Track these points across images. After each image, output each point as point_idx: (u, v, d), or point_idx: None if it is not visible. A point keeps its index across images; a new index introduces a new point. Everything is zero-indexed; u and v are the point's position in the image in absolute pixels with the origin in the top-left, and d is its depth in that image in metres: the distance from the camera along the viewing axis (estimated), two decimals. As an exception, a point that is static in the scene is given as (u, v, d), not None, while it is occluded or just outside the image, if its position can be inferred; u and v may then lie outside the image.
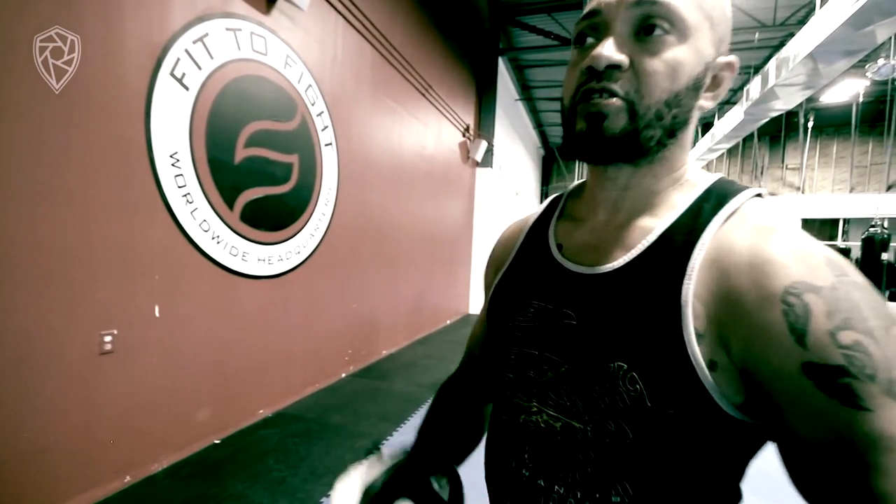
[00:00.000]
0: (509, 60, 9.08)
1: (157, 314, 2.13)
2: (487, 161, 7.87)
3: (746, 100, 6.79)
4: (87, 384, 1.85)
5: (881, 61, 5.95)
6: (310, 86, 3.17)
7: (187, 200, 2.24)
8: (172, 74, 2.12)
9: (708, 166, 12.46)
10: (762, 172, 12.06)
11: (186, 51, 2.19)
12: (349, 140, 3.72)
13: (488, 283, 0.65)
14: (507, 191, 10.29)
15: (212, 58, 2.34)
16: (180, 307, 2.25)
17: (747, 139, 11.85)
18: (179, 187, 2.19)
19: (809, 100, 9.76)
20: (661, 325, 0.40)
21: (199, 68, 2.27)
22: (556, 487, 0.46)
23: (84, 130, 1.76)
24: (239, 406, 2.71)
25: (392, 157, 4.61)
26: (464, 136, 7.09)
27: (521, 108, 11.23)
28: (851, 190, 11.02)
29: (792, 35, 6.50)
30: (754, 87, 6.43)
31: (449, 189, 6.58)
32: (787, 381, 0.35)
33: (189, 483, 2.10)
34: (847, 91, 8.06)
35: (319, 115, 3.30)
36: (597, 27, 0.43)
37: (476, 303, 8.03)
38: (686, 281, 0.40)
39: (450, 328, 6.51)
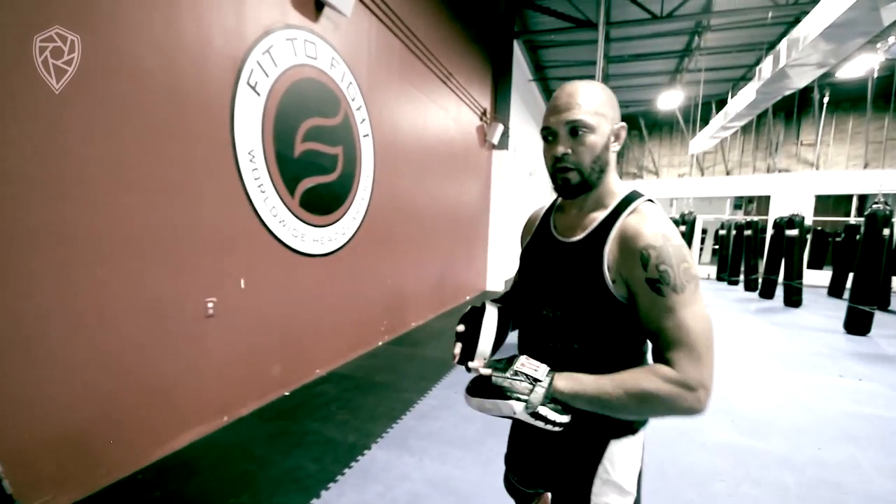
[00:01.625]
0: (524, 42, 9.22)
1: (242, 286, 2.56)
2: (503, 144, 8.14)
3: (759, 79, 6.92)
4: (197, 341, 2.30)
5: (891, 39, 6.04)
6: (350, 83, 3.52)
7: (261, 190, 2.65)
8: (248, 83, 2.50)
9: (721, 144, 12.50)
10: (777, 149, 12.08)
11: (258, 62, 2.56)
12: (382, 130, 4.08)
13: (522, 241, 1.15)
14: (522, 172, 10.54)
15: (276, 66, 2.71)
16: (258, 280, 2.68)
17: (761, 116, 11.83)
18: (255, 179, 2.59)
19: (825, 76, 9.74)
20: (593, 265, 0.87)
21: (267, 76, 2.64)
22: (551, 344, 0.94)
23: (181, 130, 2.15)
24: (300, 365, 3.17)
25: (417, 144, 4.96)
26: (481, 119, 7.37)
27: (534, 89, 11.35)
28: (866, 166, 11.03)
29: (806, 13, 6.56)
30: (766, 67, 6.55)
31: (468, 172, 6.91)
32: (640, 285, 0.81)
33: (273, 423, 2.57)
34: (862, 66, 8.06)
35: (358, 109, 3.65)
36: (553, 134, 0.90)
37: (493, 280, 8.43)
38: (606, 245, 0.87)
39: (470, 303, 6.93)
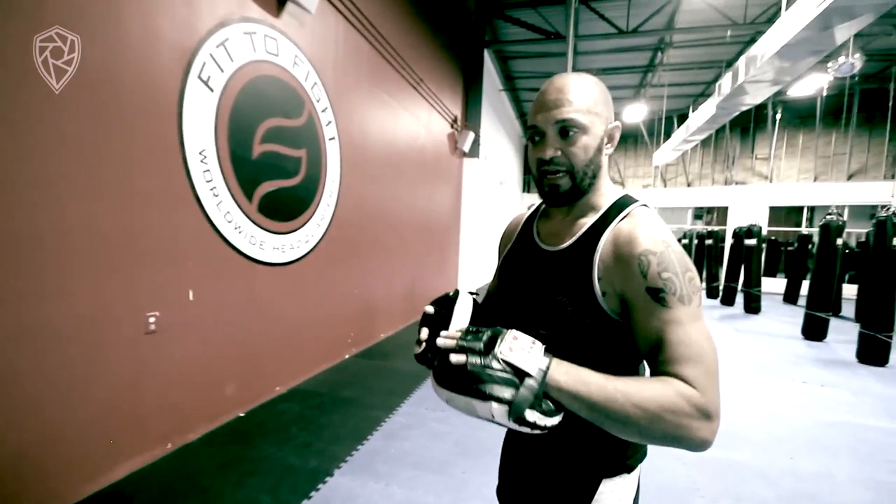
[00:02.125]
0: (494, 52, 9.28)
1: (191, 298, 2.33)
2: (474, 151, 8.10)
3: (718, 94, 7.18)
4: (137, 361, 2.06)
5: (841, 59, 6.38)
6: (315, 83, 3.35)
7: (214, 194, 2.43)
8: (200, 77, 2.30)
9: (683, 157, 12.97)
10: (733, 162, 12.62)
11: (211, 55, 2.36)
12: (350, 134, 3.91)
13: (501, 250, 1.03)
14: (493, 180, 10.55)
15: (232, 60, 2.51)
16: (209, 292, 2.46)
17: (719, 131, 12.36)
18: (207, 182, 2.38)
19: (778, 93, 10.27)
20: (581, 275, 0.75)
21: (222, 70, 2.44)
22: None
23: (119, 125, 1.93)
24: (259, 382, 2.93)
25: (387, 150, 4.82)
26: (452, 127, 7.30)
27: (504, 99, 11.45)
28: (815, 179, 11.66)
29: (762, 33, 6.87)
30: (725, 83, 6.80)
31: (439, 179, 6.81)
32: (639, 297, 0.69)
33: (225, 448, 2.33)
34: (812, 85, 8.52)
35: (324, 111, 3.48)
36: (540, 133, 0.78)
37: (464, 289, 8.32)
38: (596, 253, 0.75)
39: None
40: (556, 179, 0.77)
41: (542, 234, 0.89)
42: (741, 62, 6.12)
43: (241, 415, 2.73)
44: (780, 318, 7.43)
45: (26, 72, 1.48)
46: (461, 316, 0.80)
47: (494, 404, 0.59)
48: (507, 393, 0.60)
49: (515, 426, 0.61)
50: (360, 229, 4.24)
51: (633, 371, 0.78)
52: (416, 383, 3.48)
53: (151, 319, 2.11)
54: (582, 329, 0.75)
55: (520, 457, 0.95)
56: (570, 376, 0.63)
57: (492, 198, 10.56)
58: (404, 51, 5.07)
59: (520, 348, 0.63)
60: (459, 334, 0.67)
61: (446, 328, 0.77)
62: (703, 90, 11.04)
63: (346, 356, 4.11)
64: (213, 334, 2.51)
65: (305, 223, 3.31)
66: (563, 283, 0.77)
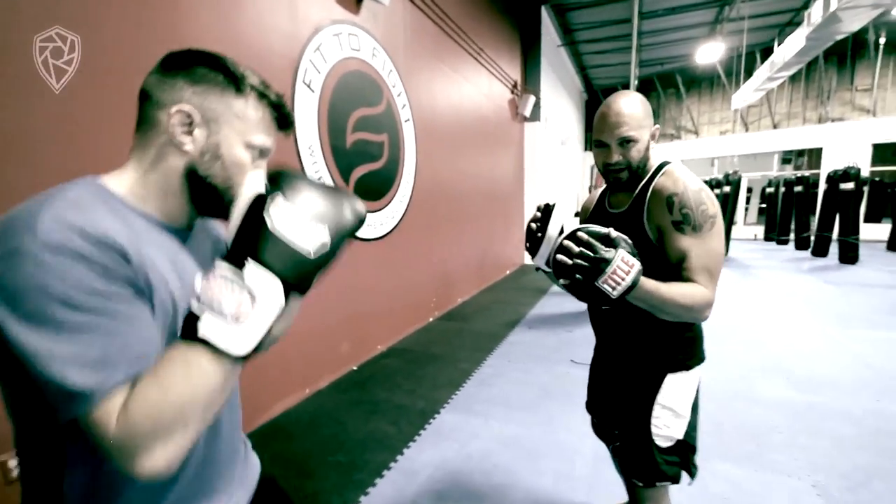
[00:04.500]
0: (551, 7, 8.96)
1: (311, 271, 2.79)
2: (535, 115, 8.05)
3: (808, 24, 6.50)
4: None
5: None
6: (391, 70, 3.63)
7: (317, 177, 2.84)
8: (304, 82, 2.67)
9: (767, 96, 11.81)
10: (829, 97, 11.30)
11: (310, 60, 2.72)
12: (421, 113, 4.18)
13: (582, 217, 1.38)
14: (554, 141, 10.39)
15: (325, 62, 2.86)
16: (323, 265, 2.91)
17: (812, 63, 11.07)
18: (315, 172, 2.79)
19: (880, 14, 8.97)
20: (637, 226, 1.10)
21: (319, 72, 2.80)
22: None
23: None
24: (364, 342, 3.43)
25: (453, 123, 5.04)
26: (512, 92, 7.31)
27: (563, 54, 11.03)
28: (931, 108, 10.20)
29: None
30: (816, 11, 6.15)
31: (501, 147, 6.93)
32: (667, 227, 1.06)
33: (348, 393, 2.83)
34: (927, -1, 7.39)
35: (399, 95, 3.77)
36: (603, 143, 1.12)
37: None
38: (645, 204, 1.10)
39: (510, 277, 7.06)
40: (619, 174, 1.13)
41: (612, 203, 1.25)
42: (834, -14, 5.50)
43: (354, 368, 3.24)
44: (882, 268, 6.87)
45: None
46: (557, 219, 1.10)
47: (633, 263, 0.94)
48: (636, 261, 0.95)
49: (637, 269, 0.94)
50: (435, 203, 4.56)
51: (664, 275, 1.05)
52: (495, 342, 3.82)
53: (286, 290, 2.59)
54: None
55: (605, 367, 1.35)
56: (648, 281, 0.97)
57: (554, 159, 10.43)
58: (463, 21, 5.17)
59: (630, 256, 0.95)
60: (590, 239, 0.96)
61: (546, 228, 1.09)
62: (792, 18, 9.87)
63: (431, 319, 4.54)
64: (329, 302, 2.99)
65: (391, 201, 3.69)
66: (626, 229, 1.07)
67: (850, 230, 7.45)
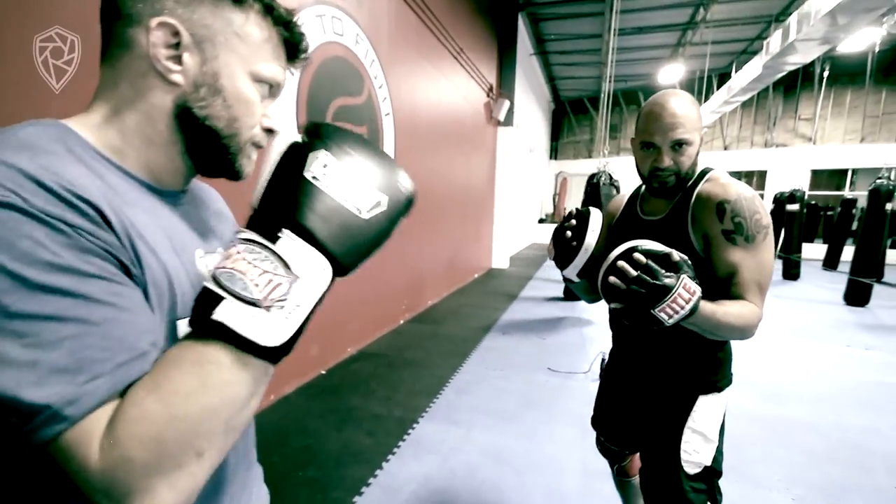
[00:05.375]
0: (526, 14, 9.05)
1: (283, 268, 2.58)
2: (509, 120, 8.08)
3: (766, 53, 6.91)
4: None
5: (901, 12, 6.04)
6: (373, 61, 3.46)
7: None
8: (284, 62, 2.45)
9: (720, 119, 12.52)
10: (774, 123, 12.14)
11: (292, 40, 2.51)
12: (401, 108, 4.03)
13: (605, 224, 1.21)
14: (523, 148, 10.50)
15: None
16: (296, 262, 2.70)
17: (761, 91, 11.85)
18: (292, 161, 2.58)
19: (827, 49, 9.73)
20: (679, 235, 1.02)
21: (300, 54, 2.59)
22: None
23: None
24: (334, 344, 3.22)
25: (432, 122, 4.92)
26: (488, 96, 7.28)
27: (534, 63, 11.20)
28: (862, 140, 11.16)
29: (814, -15, 6.50)
30: (774, 42, 6.54)
31: (476, 150, 6.87)
32: (717, 236, 0.97)
33: (318, 400, 2.63)
34: (864, 40, 8.06)
35: (380, 87, 3.60)
36: (653, 146, 1.02)
37: (498, 258, 8.49)
38: (689, 211, 1.02)
39: (479, 281, 7.01)
40: (667, 179, 1.03)
41: (645, 210, 1.16)
42: (793, 19, 5.87)
43: (323, 372, 3.04)
44: (821, 284, 7.39)
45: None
46: (595, 227, 1.04)
47: (695, 290, 0.83)
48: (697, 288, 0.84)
49: (698, 296, 0.84)
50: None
51: (709, 289, 0.96)
52: (470, 347, 3.72)
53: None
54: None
55: (627, 384, 1.24)
56: (705, 304, 0.87)
57: (522, 166, 10.53)
58: (446, 18, 5.07)
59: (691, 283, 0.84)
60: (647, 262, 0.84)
61: (583, 237, 1.03)
62: (746, 47, 10.54)
63: (402, 321, 4.38)
64: (300, 300, 2.77)
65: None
66: (666, 237, 0.96)
67: (793, 248, 7.98)
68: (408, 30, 4.13)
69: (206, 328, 0.34)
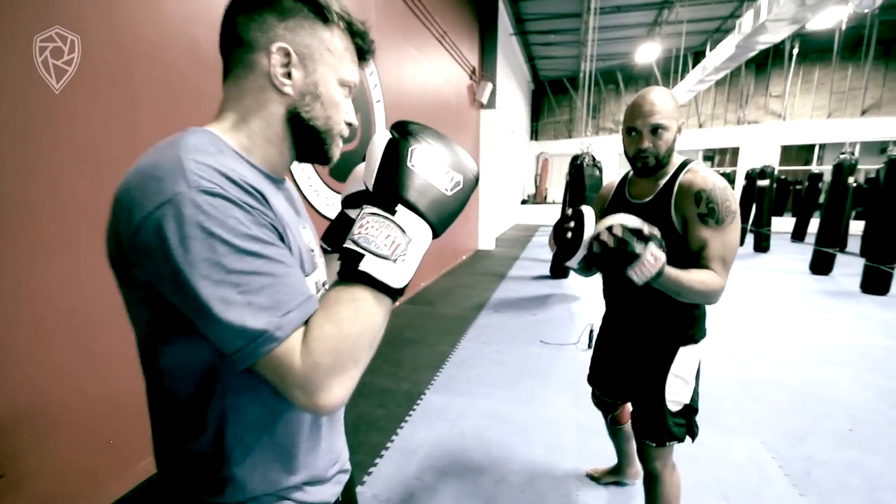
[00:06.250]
0: (507, -5, 9.05)
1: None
2: (491, 103, 8.16)
3: (738, 33, 7.13)
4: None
5: (864, -8, 6.30)
6: (364, 48, 3.51)
7: (301, 167, 2.72)
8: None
9: (696, 96, 12.82)
10: (747, 101, 12.52)
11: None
12: (390, 94, 4.10)
13: (599, 206, 1.46)
14: (505, 130, 10.61)
15: (303, 34, 2.71)
16: (300, 248, 2.81)
17: (734, 69, 12.16)
18: (293, 151, 2.67)
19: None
20: (663, 217, 1.21)
21: (297, 45, 2.65)
22: None
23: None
24: (337, 326, 3.36)
25: (419, 106, 4.99)
26: (471, 78, 7.34)
27: (514, 43, 11.22)
28: (829, 116, 11.62)
29: (784, -35, 6.70)
30: (746, 22, 6.75)
31: (460, 133, 6.97)
32: (693, 218, 1.17)
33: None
34: (831, 18, 8.37)
35: (370, 74, 3.67)
36: (636, 130, 1.21)
37: (484, 240, 8.68)
38: (672, 197, 1.21)
39: (467, 262, 7.19)
40: (647, 161, 1.22)
41: (633, 194, 1.34)
42: (763, 0, 6.08)
43: (329, 352, 3.18)
44: (789, 256, 7.82)
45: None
46: (590, 224, 1.17)
47: (660, 256, 1.02)
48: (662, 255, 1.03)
49: (662, 262, 1.03)
50: (402, 186, 4.52)
51: (685, 261, 1.17)
52: (465, 325, 3.92)
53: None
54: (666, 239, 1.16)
55: (618, 341, 1.46)
56: (671, 270, 1.07)
57: (505, 148, 10.65)
58: (430, 2, 5.10)
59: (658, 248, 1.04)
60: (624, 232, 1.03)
61: (581, 235, 1.15)
62: (720, 25, 10.75)
63: (397, 303, 4.53)
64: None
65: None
66: (652, 218, 1.14)
67: (763, 222, 8.38)
68: (394, 15, 4.17)
69: (354, 276, 0.48)
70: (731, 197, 1.15)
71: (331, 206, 3.13)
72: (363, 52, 0.64)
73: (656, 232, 1.04)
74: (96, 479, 1.68)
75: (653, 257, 1.01)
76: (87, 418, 1.64)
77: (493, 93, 8.02)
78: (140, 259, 0.46)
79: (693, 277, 1.10)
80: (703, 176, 1.18)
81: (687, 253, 1.18)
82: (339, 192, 3.21)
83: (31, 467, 1.48)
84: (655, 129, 1.18)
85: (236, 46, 0.57)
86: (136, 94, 1.84)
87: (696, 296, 1.13)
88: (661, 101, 1.18)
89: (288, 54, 0.55)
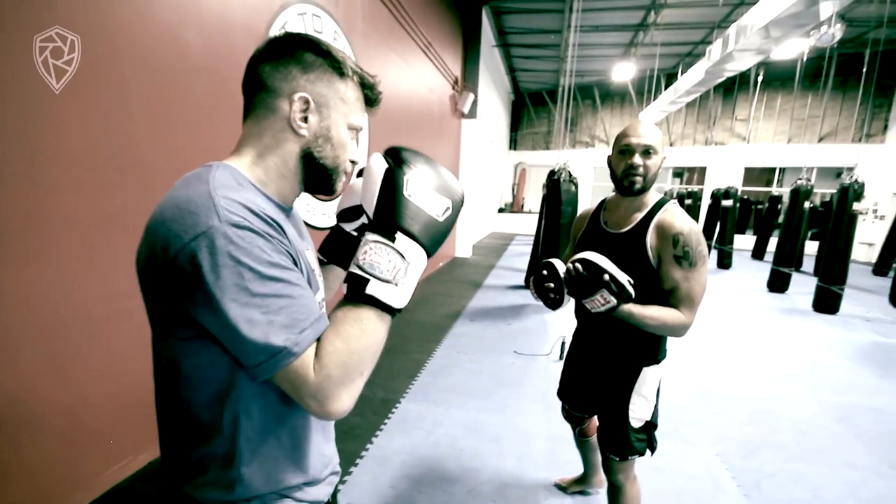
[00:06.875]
0: (490, 8, 9.21)
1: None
2: (472, 112, 8.28)
3: (708, 59, 7.49)
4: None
5: (824, 28, 6.75)
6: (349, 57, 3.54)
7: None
8: (270, 61, 2.53)
9: (667, 116, 13.34)
10: (714, 123, 13.11)
11: (278, 39, 2.58)
12: (375, 103, 4.13)
13: (574, 233, 1.55)
14: (486, 139, 10.76)
15: (291, 42, 2.73)
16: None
17: (704, 92, 12.73)
18: (277, 157, 2.67)
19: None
20: (639, 245, 1.29)
21: (285, 53, 2.67)
22: None
23: (211, 116, 2.20)
24: (313, 332, 3.36)
25: (402, 115, 5.05)
26: (453, 88, 7.45)
27: (496, 55, 11.42)
28: (789, 141, 12.30)
29: (752, -1, 7.11)
30: (715, 50, 7.11)
31: (442, 142, 7.05)
32: (668, 258, 1.25)
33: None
34: (794, 49, 8.90)
35: (356, 82, 3.70)
36: (629, 148, 1.28)
37: (462, 247, 8.77)
38: (647, 233, 1.29)
39: (444, 270, 7.26)
40: (635, 178, 1.29)
41: (608, 223, 1.41)
42: (732, 31, 6.41)
43: (304, 359, 3.17)
44: (749, 273, 8.22)
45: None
46: (561, 270, 1.33)
47: (611, 300, 1.18)
48: (612, 300, 1.19)
49: (612, 305, 1.18)
50: (383, 193, 4.54)
51: (658, 295, 1.29)
52: (441, 333, 3.97)
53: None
54: (635, 273, 1.27)
55: (586, 360, 1.55)
56: (632, 306, 1.20)
57: (485, 157, 10.80)
58: (414, 10, 5.17)
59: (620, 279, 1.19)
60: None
61: (563, 291, 1.32)
62: (692, 50, 11.25)
63: (373, 309, 4.54)
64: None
65: (340, 191, 3.62)
66: (625, 252, 1.30)
67: (726, 241, 8.79)
68: (380, 24, 4.22)
69: (361, 298, 0.54)
70: (703, 241, 1.25)
71: (311, 212, 3.14)
72: (371, 101, 0.72)
73: (620, 278, 1.16)
74: (66, 486, 1.65)
75: (602, 299, 1.17)
76: (60, 424, 1.61)
77: (474, 103, 8.15)
78: (174, 282, 0.52)
79: (651, 315, 1.21)
80: (682, 219, 1.27)
81: (658, 289, 1.27)
82: (316, 197, 3.21)
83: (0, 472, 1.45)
84: (647, 151, 1.27)
85: (260, 90, 0.63)
86: (130, 95, 1.84)
87: (659, 331, 1.27)
88: (653, 131, 1.29)
89: (307, 102, 0.62)
